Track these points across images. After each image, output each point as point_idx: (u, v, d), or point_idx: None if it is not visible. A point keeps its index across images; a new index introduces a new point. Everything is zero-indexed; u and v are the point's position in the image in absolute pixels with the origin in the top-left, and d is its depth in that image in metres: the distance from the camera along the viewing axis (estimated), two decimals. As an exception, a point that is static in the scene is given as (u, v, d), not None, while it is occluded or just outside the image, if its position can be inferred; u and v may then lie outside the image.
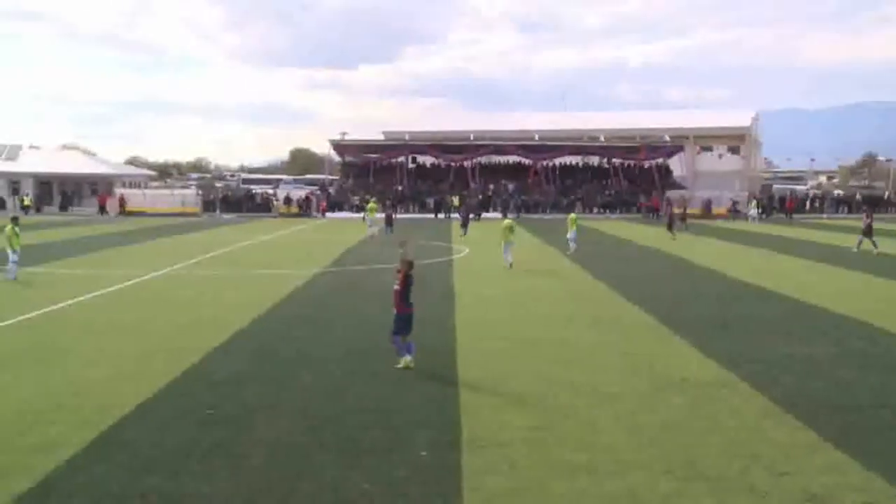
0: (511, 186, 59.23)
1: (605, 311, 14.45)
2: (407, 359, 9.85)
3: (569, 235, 25.70)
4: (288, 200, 54.67)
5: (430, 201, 55.50)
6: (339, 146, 61.89)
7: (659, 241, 30.64)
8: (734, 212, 51.77)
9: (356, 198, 55.51)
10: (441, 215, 51.12)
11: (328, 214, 52.26)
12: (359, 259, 23.91)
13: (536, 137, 61.55)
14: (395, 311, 9.99)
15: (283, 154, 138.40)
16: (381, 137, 69.92)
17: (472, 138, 61.58)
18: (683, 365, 10.28)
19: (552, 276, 19.85)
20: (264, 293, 16.37)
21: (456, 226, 37.43)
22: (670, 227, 32.47)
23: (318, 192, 60.39)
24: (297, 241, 31.56)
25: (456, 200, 51.26)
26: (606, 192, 58.00)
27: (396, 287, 10.06)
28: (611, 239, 32.83)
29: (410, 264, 10.07)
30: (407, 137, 62.11)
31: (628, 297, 16.06)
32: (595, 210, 55.25)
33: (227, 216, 51.63)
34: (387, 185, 59.02)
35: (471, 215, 38.16)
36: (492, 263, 22.38)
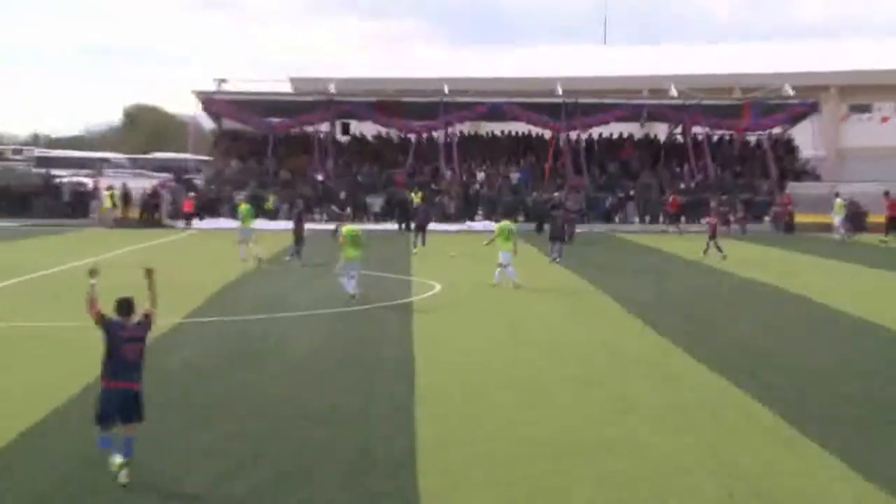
0: (516, 175, 59.43)
1: (679, 393, 14.60)
2: (117, 460, 10.05)
3: (500, 259, 26.36)
4: (125, 198, 54.69)
5: (374, 202, 55.85)
6: (213, 101, 61.31)
7: (761, 271, 31.36)
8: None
9: (242, 194, 55.55)
10: (394, 224, 51.98)
11: (196, 223, 52.30)
12: (248, 300, 24.24)
13: (559, 89, 62.03)
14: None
15: (113, 116, 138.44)
16: (289, 89, 70.02)
17: (447, 91, 61.84)
18: (826, 492, 10.36)
19: (585, 330, 20.16)
20: (79, 361, 16.17)
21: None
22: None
23: (176, 183, 60.32)
24: (138, 270, 31.30)
25: (417, 197, 51.48)
26: (681, 186, 58.08)
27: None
28: (678, 264, 33.35)
29: (126, 305, 10.89)
30: (333, 89, 61.88)
31: (717, 367, 16.19)
32: (661, 219, 54.68)
33: (5, 223, 51.51)
34: (298, 172, 59.06)
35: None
36: (480, 307, 22.61)
